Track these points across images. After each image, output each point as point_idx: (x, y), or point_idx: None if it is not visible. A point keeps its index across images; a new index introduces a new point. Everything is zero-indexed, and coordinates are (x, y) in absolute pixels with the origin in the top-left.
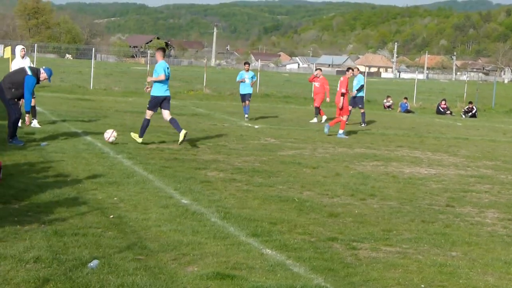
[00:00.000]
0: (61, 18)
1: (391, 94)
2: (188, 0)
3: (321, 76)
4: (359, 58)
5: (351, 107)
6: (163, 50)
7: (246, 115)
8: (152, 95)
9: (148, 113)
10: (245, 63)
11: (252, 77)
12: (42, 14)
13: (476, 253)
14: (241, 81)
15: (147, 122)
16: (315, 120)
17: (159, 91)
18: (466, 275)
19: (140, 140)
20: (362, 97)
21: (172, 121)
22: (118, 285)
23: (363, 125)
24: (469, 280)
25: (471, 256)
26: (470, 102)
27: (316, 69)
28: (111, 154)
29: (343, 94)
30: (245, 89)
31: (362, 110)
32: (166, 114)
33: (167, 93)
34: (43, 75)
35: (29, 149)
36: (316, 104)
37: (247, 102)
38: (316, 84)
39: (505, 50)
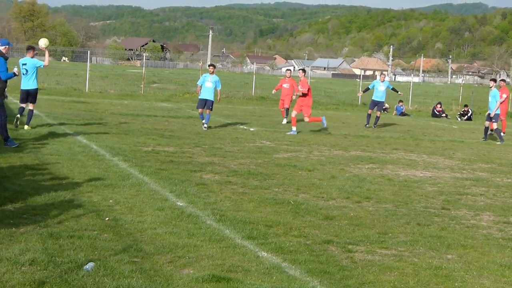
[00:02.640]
0: (56, 20)
1: (388, 97)
2: (183, 3)
3: (290, 77)
4: (354, 61)
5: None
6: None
7: (205, 124)
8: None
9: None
10: (209, 65)
11: (216, 82)
12: (37, 17)
13: (471, 256)
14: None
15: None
16: (284, 121)
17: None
18: (462, 278)
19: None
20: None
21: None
22: (113, 287)
23: (374, 127)
24: (465, 283)
25: (467, 259)
26: (466, 105)
27: (286, 70)
28: (106, 157)
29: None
30: (206, 94)
31: (378, 114)
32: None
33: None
34: (1, 47)
35: (24, 151)
36: (286, 106)
37: (207, 110)
38: (285, 85)
39: (500, 53)
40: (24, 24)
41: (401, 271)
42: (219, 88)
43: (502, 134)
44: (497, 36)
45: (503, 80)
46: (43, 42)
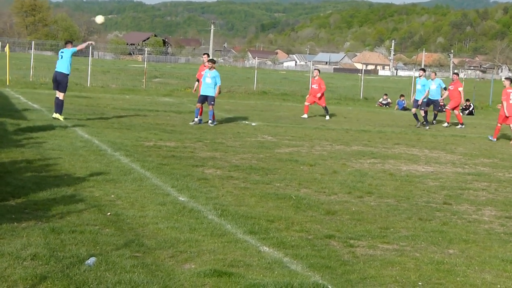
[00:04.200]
0: (58, 15)
1: (388, 92)
2: None
3: (318, 77)
4: (356, 55)
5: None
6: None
7: (209, 121)
8: None
9: None
10: (208, 60)
11: (215, 78)
12: (39, 12)
13: (473, 250)
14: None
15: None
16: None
17: None
18: (464, 273)
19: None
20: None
21: None
22: (115, 282)
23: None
24: (466, 277)
25: (469, 254)
26: (468, 100)
27: (315, 69)
28: (108, 152)
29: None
30: (206, 90)
31: (436, 112)
32: None
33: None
34: None
35: (26, 146)
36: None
37: (209, 106)
38: (314, 86)
39: (502, 47)
40: (26, 19)
41: (402, 266)
42: (219, 84)
43: (446, 124)
44: (499, 30)
45: (456, 74)
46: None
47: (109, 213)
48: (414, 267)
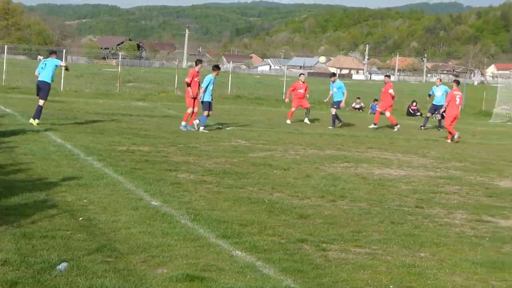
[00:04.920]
0: (31, 19)
1: (362, 96)
2: (160, 2)
3: (304, 82)
4: (330, 60)
5: (430, 113)
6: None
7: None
8: None
9: None
10: (217, 67)
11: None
12: (12, 15)
13: (444, 254)
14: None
15: None
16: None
17: None
18: (434, 276)
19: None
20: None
21: None
22: (87, 287)
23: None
24: (437, 280)
25: (440, 257)
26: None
27: (301, 74)
28: (81, 156)
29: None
30: (210, 96)
31: (439, 117)
32: None
33: None
34: None
35: None
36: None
37: (210, 112)
38: (300, 91)
39: (475, 52)
40: None
41: (374, 269)
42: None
43: (373, 125)
44: (472, 35)
45: (388, 76)
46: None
47: (81, 218)
48: (385, 270)
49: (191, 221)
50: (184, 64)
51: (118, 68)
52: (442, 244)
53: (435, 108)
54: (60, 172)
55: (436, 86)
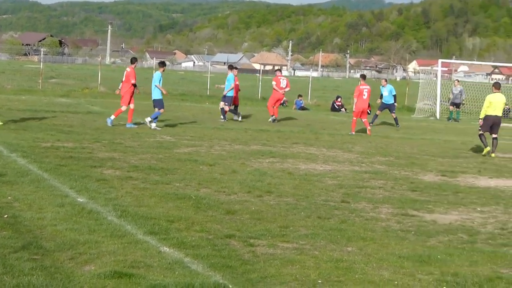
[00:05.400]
0: None
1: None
2: None
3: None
4: (254, 56)
5: (379, 111)
6: None
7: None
8: None
9: None
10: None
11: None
12: None
13: (371, 248)
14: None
15: None
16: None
17: None
18: (362, 270)
19: None
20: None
21: None
22: (13, 285)
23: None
24: (365, 274)
25: (367, 251)
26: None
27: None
28: (4, 153)
29: (134, 85)
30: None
31: (394, 115)
32: None
33: None
34: None
35: None
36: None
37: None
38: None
39: (397, 48)
40: None
41: (302, 264)
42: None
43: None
44: (394, 31)
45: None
46: None
47: (6, 215)
48: (313, 265)
49: (118, 217)
50: (107, 60)
51: (40, 65)
52: (368, 238)
53: (383, 107)
54: None
55: (383, 86)
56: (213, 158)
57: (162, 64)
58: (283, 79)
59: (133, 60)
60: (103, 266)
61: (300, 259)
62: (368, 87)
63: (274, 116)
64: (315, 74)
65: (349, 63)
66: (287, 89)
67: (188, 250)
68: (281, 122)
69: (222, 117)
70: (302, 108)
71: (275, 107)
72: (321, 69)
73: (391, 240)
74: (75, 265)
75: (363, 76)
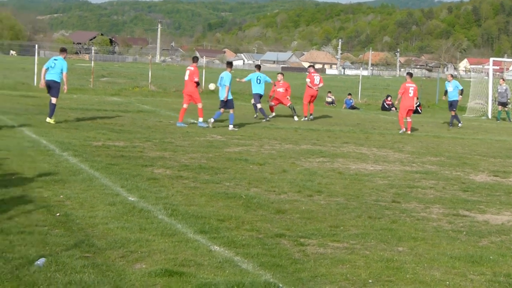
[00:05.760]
0: (2, 14)
1: (336, 91)
2: None
3: (282, 81)
4: (303, 54)
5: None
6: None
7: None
8: None
9: None
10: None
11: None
12: None
13: (422, 248)
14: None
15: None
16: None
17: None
18: (413, 270)
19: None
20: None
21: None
22: (65, 283)
23: (459, 124)
24: (416, 274)
25: (417, 251)
26: (417, 98)
27: (279, 74)
28: (56, 152)
29: (197, 83)
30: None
31: (453, 113)
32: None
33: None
34: None
35: None
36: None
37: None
38: (280, 90)
39: (447, 46)
40: None
41: (353, 263)
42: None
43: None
44: (444, 29)
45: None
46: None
47: (58, 214)
48: (364, 265)
49: (169, 216)
50: (157, 58)
51: (91, 63)
52: (419, 238)
53: (450, 104)
54: (35, 167)
55: (448, 81)
56: (263, 158)
57: (230, 64)
58: (316, 76)
59: (195, 59)
60: (154, 264)
61: (351, 259)
62: (414, 85)
63: (311, 115)
64: (365, 72)
65: (399, 61)
66: (321, 85)
67: (238, 249)
68: (330, 121)
69: (261, 115)
70: (352, 107)
71: (310, 103)
72: (371, 68)
73: (442, 240)
74: (126, 263)
75: (410, 74)
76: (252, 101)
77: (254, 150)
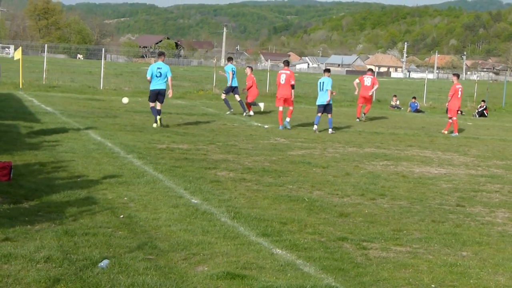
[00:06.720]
0: (71, 18)
1: (401, 94)
2: (197, 0)
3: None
4: (369, 58)
5: None
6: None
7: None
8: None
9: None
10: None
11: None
12: (52, 15)
13: (486, 253)
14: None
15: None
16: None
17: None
18: (477, 275)
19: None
20: None
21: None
22: (128, 284)
23: None
24: (480, 280)
25: (482, 256)
26: (483, 101)
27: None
28: (121, 154)
29: (293, 86)
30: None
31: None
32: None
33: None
34: None
35: (40, 149)
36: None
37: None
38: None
39: None
40: (39, 22)
41: (415, 268)
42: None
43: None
44: None
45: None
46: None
47: (122, 216)
48: (427, 269)
49: (231, 219)
50: (222, 62)
51: None
52: (484, 243)
53: None
54: (100, 170)
55: None
56: (326, 161)
57: (328, 70)
58: (367, 78)
59: (287, 63)
60: (216, 267)
61: (414, 263)
62: (461, 86)
63: (363, 115)
64: (430, 76)
65: (466, 64)
66: (376, 86)
67: (301, 252)
68: (395, 124)
69: (242, 109)
70: (417, 111)
71: (366, 104)
72: (437, 71)
73: (508, 245)
74: (188, 266)
75: (457, 75)
76: (223, 95)
77: (318, 153)
